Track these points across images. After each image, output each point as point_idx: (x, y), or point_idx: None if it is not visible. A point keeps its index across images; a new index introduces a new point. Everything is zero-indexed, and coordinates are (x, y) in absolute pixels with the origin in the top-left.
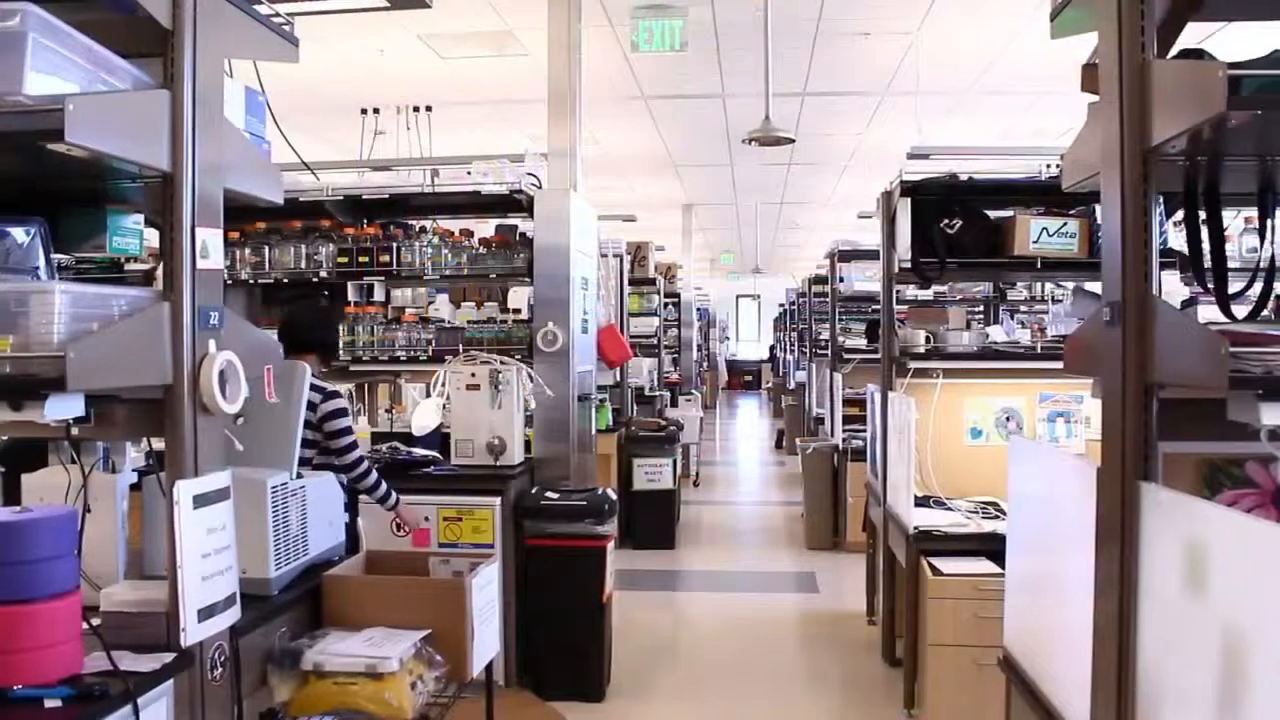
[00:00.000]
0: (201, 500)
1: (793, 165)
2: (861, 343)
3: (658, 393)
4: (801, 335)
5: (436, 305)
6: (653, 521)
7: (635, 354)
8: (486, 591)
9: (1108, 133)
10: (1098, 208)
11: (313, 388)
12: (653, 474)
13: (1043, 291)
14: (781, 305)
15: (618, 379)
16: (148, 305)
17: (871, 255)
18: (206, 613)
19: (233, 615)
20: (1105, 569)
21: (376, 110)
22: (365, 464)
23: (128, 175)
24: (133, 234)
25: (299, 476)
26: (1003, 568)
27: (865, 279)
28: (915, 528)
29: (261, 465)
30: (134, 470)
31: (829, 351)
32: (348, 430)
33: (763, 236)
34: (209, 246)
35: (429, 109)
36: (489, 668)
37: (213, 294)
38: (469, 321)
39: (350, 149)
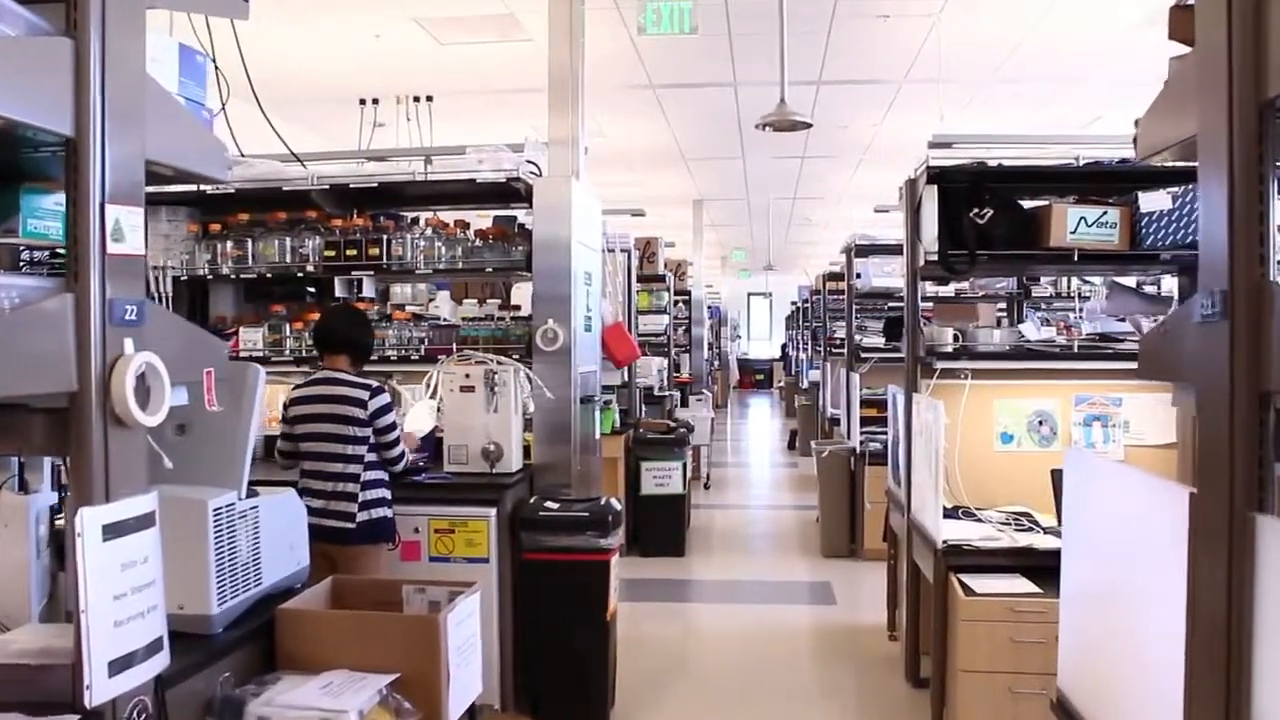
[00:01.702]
0: (114, 530)
1: (806, 158)
2: (879, 341)
3: (667, 392)
4: (815, 333)
5: (437, 302)
6: (661, 528)
7: (645, 353)
8: (465, 627)
9: (1209, 85)
10: (1140, 195)
11: (356, 385)
12: (661, 478)
13: (1069, 288)
14: (794, 303)
15: (625, 379)
16: (45, 297)
17: (890, 250)
18: (121, 664)
19: (158, 664)
20: (1204, 617)
21: (375, 101)
22: (405, 460)
23: (33, 144)
24: (52, 216)
25: (253, 494)
26: (1040, 586)
27: (884, 275)
28: (944, 542)
29: (208, 482)
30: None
31: (845, 350)
32: (394, 427)
33: (775, 233)
34: (124, 227)
35: (429, 99)
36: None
37: (130, 284)
38: (464, 319)
39: (350, 142)
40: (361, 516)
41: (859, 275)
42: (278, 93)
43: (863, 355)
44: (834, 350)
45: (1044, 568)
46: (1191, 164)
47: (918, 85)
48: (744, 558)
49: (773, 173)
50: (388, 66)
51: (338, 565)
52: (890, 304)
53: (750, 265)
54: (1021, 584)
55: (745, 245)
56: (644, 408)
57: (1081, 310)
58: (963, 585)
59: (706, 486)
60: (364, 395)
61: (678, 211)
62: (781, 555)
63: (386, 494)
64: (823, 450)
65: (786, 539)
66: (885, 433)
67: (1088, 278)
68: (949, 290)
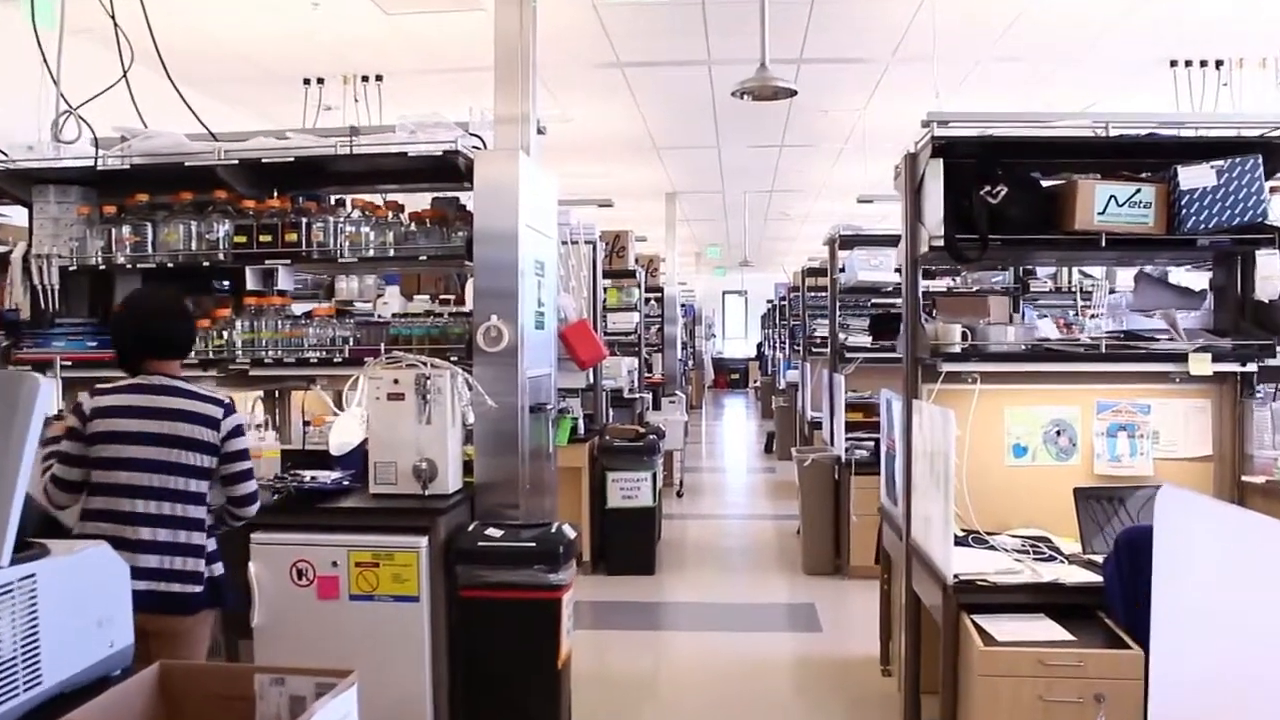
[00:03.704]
0: None
1: (784, 148)
2: (864, 340)
3: (638, 395)
4: (793, 332)
5: (386, 298)
6: (629, 544)
7: (614, 352)
8: None
9: None
10: (1180, 169)
11: (202, 398)
12: (629, 490)
13: (1069, 282)
14: (770, 301)
15: (590, 381)
16: None
17: (878, 241)
18: None
19: None
20: None
21: (320, 81)
22: (258, 503)
23: None
24: None
25: (35, 553)
26: (1070, 630)
27: (870, 268)
28: (955, 576)
29: None
30: None
31: (828, 350)
32: (248, 455)
33: (751, 228)
34: None
35: (379, 79)
36: None
37: None
38: (395, 315)
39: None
40: (205, 574)
41: (843, 269)
42: (216, 71)
43: (847, 355)
44: (814, 350)
45: (1072, 606)
46: (1245, 135)
47: (906, 65)
48: (720, 576)
49: (749, 163)
50: (330, 40)
51: (154, 641)
52: (874, 300)
53: (725, 262)
54: (1049, 628)
55: (720, 242)
56: (612, 412)
57: (1093, 305)
58: (979, 630)
59: (680, 494)
60: (216, 413)
61: (650, 205)
62: (760, 572)
63: (213, 544)
64: (805, 458)
65: (765, 553)
66: (872, 439)
67: (1087, 270)
68: (940, 285)
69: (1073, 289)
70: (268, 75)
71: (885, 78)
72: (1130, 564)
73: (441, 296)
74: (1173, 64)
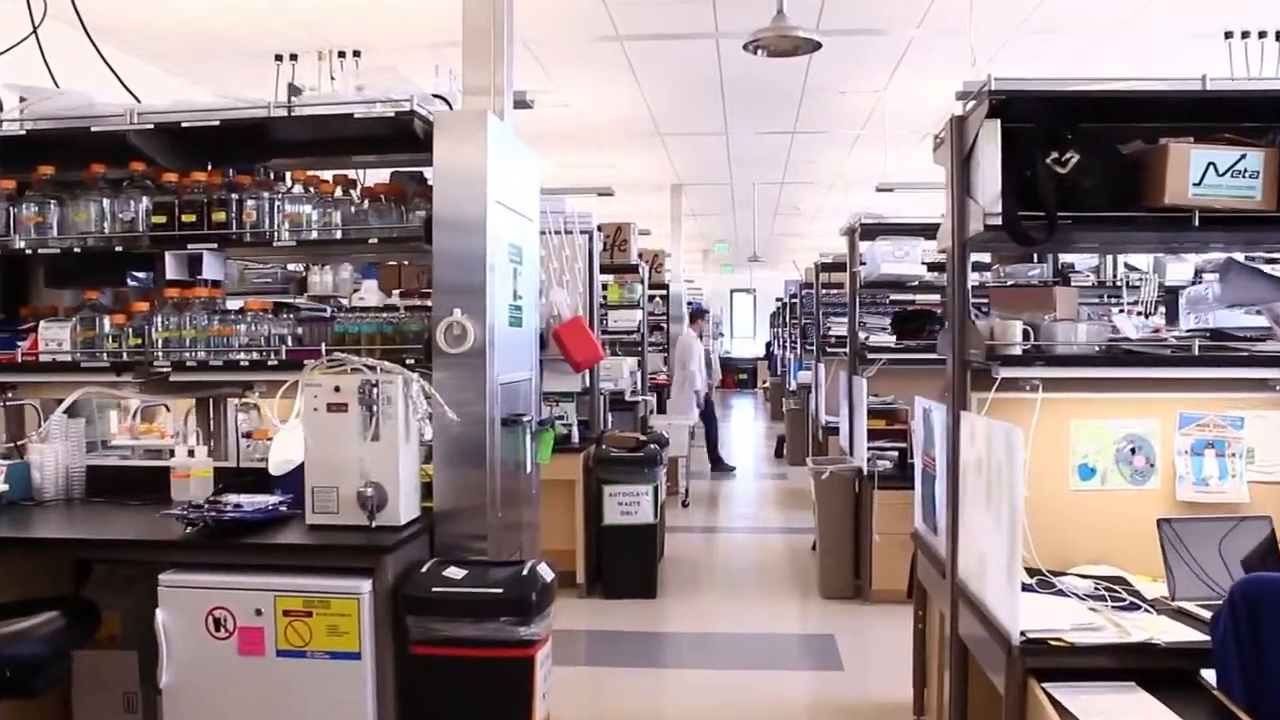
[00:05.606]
0: None
1: (796, 135)
2: (886, 339)
3: (640, 398)
4: (805, 330)
5: (361, 293)
6: (628, 565)
7: (614, 352)
8: None
9: None
10: None
11: None
12: (628, 505)
13: (1114, 275)
14: (780, 299)
15: (586, 384)
16: None
17: (903, 230)
18: None
19: None
20: None
21: (294, 57)
22: None
23: None
24: None
25: None
26: (1169, 704)
27: (895, 260)
28: (1023, 635)
29: None
30: None
31: (847, 349)
32: None
33: (760, 224)
34: None
35: (356, 54)
36: None
37: None
38: (342, 310)
39: None
40: None
41: (863, 261)
42: (185, 48)
43: (869, 356)
44: (829, 350)
45: (1166, 671)
46: None
47: (933, 39)
48: (728, 600)
49: (758, 152)
50: (302, 11)
51: None
52: (893, 297)
53: (734, 259)
54: (1145, 704)
55: (728, 238)
56: (611, 416)
57: (1140, 301)
58: (1058, 707)
59: (685, 504)
60: None
61: (654, 199)
62: (773, 596)
63: None
64: (822, 470)
65: (778, 573)
66: (895, 448)
67: (1134, 263)
68: (972, 278)
69: (1117, 283)
70: (239, 53)
71: (909, 53)
72: (1250, 625)
73: (424, 290)
74: (1228, 35)
